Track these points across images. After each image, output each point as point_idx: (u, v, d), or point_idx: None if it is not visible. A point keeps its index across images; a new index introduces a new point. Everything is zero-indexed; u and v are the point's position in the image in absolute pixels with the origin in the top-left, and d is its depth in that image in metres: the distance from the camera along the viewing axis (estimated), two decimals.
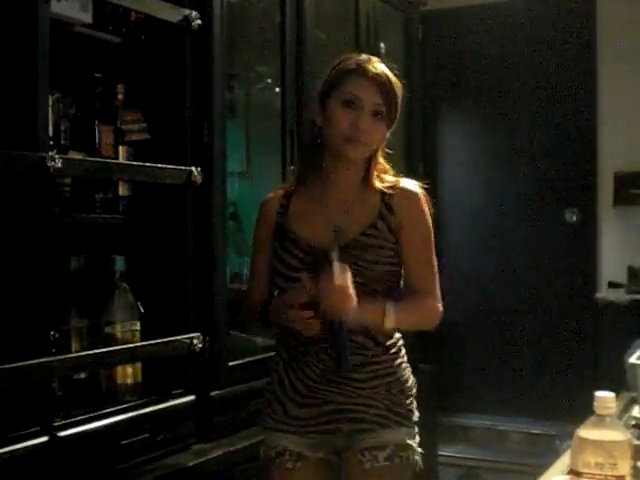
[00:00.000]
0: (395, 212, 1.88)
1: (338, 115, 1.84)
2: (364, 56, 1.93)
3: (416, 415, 1.92)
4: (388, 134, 1.90)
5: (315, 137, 1.91)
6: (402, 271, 1.91)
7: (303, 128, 1.94)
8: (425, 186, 1.93)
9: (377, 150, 1.91)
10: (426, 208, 1.91)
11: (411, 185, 1.92)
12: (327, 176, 1.90)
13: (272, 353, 2.70)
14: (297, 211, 1.92)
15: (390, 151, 1.98)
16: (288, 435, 1.87)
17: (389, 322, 1.82)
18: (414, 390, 1.93)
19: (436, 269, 1.92)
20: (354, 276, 1.77)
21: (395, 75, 1.90)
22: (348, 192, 1.90)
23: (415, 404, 1.93)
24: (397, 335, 1.93)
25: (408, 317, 1.88)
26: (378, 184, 1.91)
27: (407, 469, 1.87)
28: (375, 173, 1.92)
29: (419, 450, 1.90)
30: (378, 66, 1.89)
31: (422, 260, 1.91)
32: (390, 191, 1.90)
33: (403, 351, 1.94)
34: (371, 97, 1.84)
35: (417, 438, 1.91)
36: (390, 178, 1.94)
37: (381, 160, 1.94)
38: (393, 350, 1.90)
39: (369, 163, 1.91)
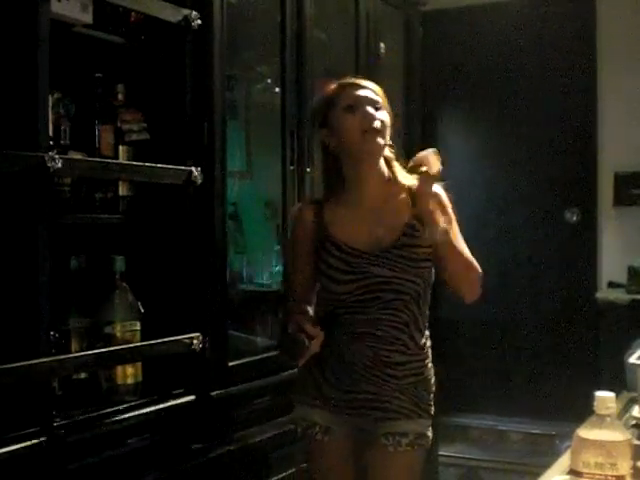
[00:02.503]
0: None
1: (346, 120, 2.00)
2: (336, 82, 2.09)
3: (433, 410, 2.09)
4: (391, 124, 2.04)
5: (330, 157, 2.06)
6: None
7: (321, 159, 2.10)
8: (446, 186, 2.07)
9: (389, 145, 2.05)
10: (448, 204, 2.04)
11: (435, 186, 2.03)
12: (354, 186, 2.04)
13: (275, 352, 2.73)
14: (333, 217, 2.05)
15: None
16: (319, 410, 2.04)
17: (444, 233, 1.96)
18: (434, 388, 2.10)
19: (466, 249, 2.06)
20: (397, 274, 1.95)
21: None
22: (377, 194, 2.04)
23: (433, 400, 2.10)
24: (427, 333, 2.08)
25: (461, 257, 2.01)
26: (404, 180, 2.04)
27: (423, 454, 2.07)
28: (397, 168, 2.06)
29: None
30: (347, 78, 2.08)
31: (457, 242, 2.05)
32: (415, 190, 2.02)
33: (430, 352, 2.10)
34: (366, 96, 2.02)
35: (431, 429, 2.09)
36: (409, 176, 2.05)
37: (397, 156, 2.08)
38: (425, 351, 2.07)
39: (386, 161, 2.06)
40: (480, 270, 2.05)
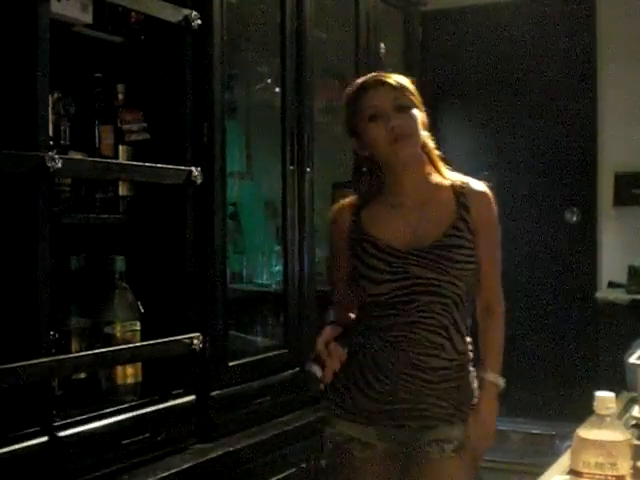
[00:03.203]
0: (470, 210, 1.93)
1: (371, 131, 1.91)
2: (360, 78, 2.00)
3: None
4: (426, 120, 1.96)
5: (365, 162, 1.98)
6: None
7: (354, 164, 2.03)
8: (490, 186, 2.00)
9: (425, 140, 1.97)
10: (495, 207, 1.98)
11: (482, 185, 1.98)
12: (393, 187, 1.96)
13: (275, 352, 2.73)
14: (372, 217, 1.97)
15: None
16: (355, 424, 1.94)
17: (502, 382, 1.99)
18: (476, 393, 1.99)
19: (500, 268, 2.03)
20: (437, 276, 1.86)
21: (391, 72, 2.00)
22: (418, 192, 1.95)
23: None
24: (469, 339, 1.97)
25: (501, 357, 2.02)
26: (448, 179, 1.97)
27: (469, 461, 1.95)
28: (440, 163, 1.99)
29: None
30: (373, 74, 1.98)
31: (493, 259, 1.99)
32: (461, 188, 1.95)
33: (472, 354, 2.00)
34: (385, 97, 1.91)
35: None
36: (454, 174, 1.99)
37: (436, 151, 2.00)
38: (466, 355, 1.96)
39: (427, 156, 1.98)
40: (503, 314, 2.04)
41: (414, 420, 1.90)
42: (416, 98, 1.95)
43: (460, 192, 1.94)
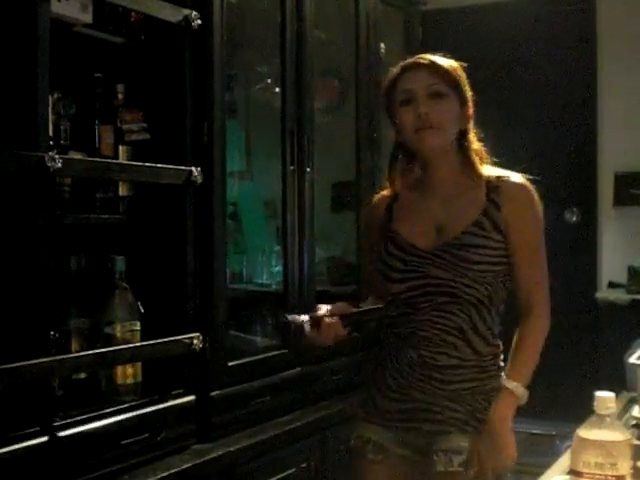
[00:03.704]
0: (502, 208, 1.84)
1: (402, 116, 1.84)
2: (407, 60, 1.92)
3: None
4: (470, 112, 1.89)
5: (400, 153, 1.93)
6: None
7: (392, 150, 1.98)
8: (533, 179, 1.91)
9: (465, 133, 1.88)
10: (537, 203, 1.90)
11: (518, 177, 1.89)
12: (425, 175, 1.91)
13: (275, 352, 2.73)
14: (402, 212, 1.93)
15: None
16: (374, 426, 1.90)
17: (524, 394, 1.86)
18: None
19: (546, 271, 1.96)
20: (454, 277, 1.79)
21: (445, 56, 1.90)
22: (449, 187, 1.88)
23: None
24: (498, 342, 1.91)
25: (530, 367, 1.91)
26: (483, 172, 1.88)
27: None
28: (476, 158, 1.88)
29: None
30: (420, 55, 1.89)
31: (530, 260, 1.90)
32: (496, 183, 1.86)
33: (500, 358, 1.92)
34: (421, 82, 1.82)
35: None
36: (493, 170, 1.91)
37: (477, 145, 1.91)
38: (489, 358, 1.88)
39: (463, 149, 1.88)
40: (545, 326, 1.98)
41: (429, 423, 1.84)
42: (460, 86, 1.86)
43: (493, 188, 1.85)
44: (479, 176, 1.87)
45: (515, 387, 1.84)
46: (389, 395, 1.89)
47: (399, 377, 1.87)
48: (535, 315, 1.94)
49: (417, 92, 1.82)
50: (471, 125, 1.90)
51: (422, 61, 1.85)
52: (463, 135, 1.88)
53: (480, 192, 1.85)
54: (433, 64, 1.84)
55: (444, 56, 1.89)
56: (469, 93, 1.89)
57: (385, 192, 1.99)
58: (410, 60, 1.88)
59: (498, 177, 1.88)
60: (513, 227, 1.84)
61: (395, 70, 1.90)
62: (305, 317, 1.83)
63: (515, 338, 1.91)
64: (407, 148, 1.90)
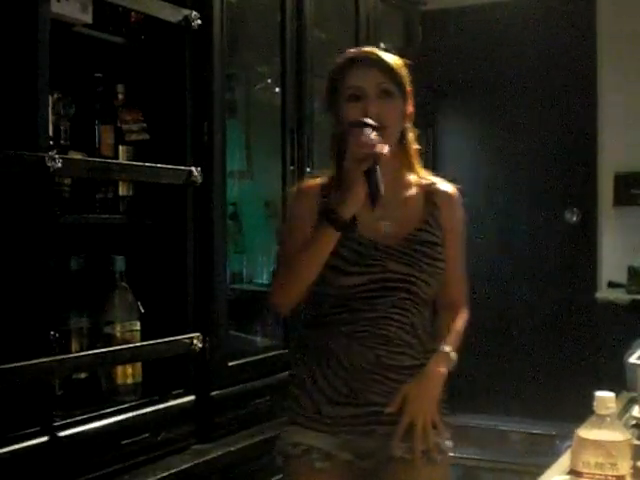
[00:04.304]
0: (440, 209, 1.86)
1: (348, 112, 1.78)
2: (351, 50, 1.88)
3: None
4: (411, 110, 1.84)
5: (339, 141, 1.82)
6: None
7: (330, 141, 1.89)
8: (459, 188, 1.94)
9: (405, 132, 1.84)
10: (463, 211, 1.93)
11: (450, 187, 1.91)
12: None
13: (275, 352, 2.73)
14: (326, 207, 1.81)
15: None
16: (316, 433, 1.78)
17: (455, 360, 1.85)
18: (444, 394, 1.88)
19: (465, 271, 1.96)
20: (413, 272, 1.77)
21: (388, 51, 1.86)
22: (392, 185, 1.80)
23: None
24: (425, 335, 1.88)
25: (459, 343, 1.90)
26: (419, 176, 1.88)
27: (443, 470, 1.83)
28: (416, 158, 1.87)
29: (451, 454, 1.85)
30: (367, 49, 1.86)
31: (459, 262, 1.93)
32: (432, 186, 1.88)
33: None
34: (372, 80, 1.78)
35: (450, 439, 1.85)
36: (425, 172, 1.90)
37: (416, 145, 1.88)
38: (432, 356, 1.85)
39: (404, 148, 1.85)
40: (467, 316, 1.96)
41: (384, 425, 1.77)
42: (405, 85, 1.82)
43: (431, 190, 1.87)
44: (418, 176, 1.89)
45: (450, 350, 1.85)
46: (339, 400, 1.77)
47: (352, 381, 1.77)
48: (462, 306, 1.96)
49: (368, 91, 1.77)
50: (410, 125, 1.86)
51: (373, 57, 1.81)
52: (403, 135, 1.84)
53: (419, 192, 1.87)
54: (384, 62, 1.80)
55: (387, 51, 1.87)
56: (410, 91, 1.84)
57: (314, 181, 1.87)
58: (359, 54, 1.83)
59: (431, 181, 1.90)
60: (448, 228, 1.87)
61: (342, 61, 1.84)
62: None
63: (445, 321, 1.92)
64: (347, 142, 1.77)
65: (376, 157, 1.67)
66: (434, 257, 1.81)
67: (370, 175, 1.67)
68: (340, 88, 1.81)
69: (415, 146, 1.88)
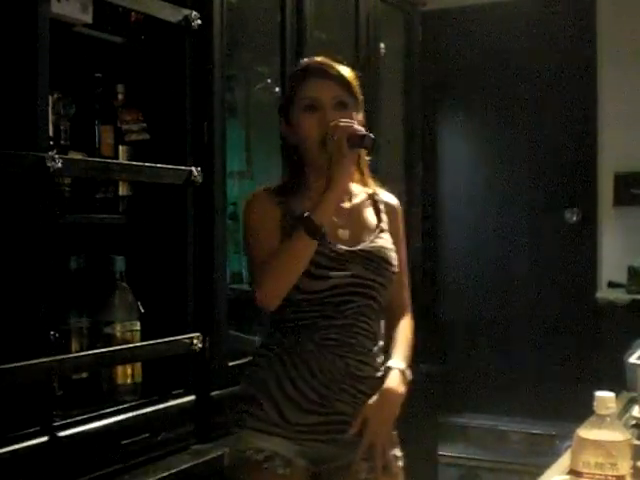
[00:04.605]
0: (388, 218, 1.92)
1: (304, 122, 1.80)
2: (305, 59, 1.93)
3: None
4: (360, 119, 1.85)
5: (292, 150, 1.85)
6: None
7: (283, 150, 1.91)
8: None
9: None
10: (403, 221, 1.98)
11: (392, 197, 1.97)
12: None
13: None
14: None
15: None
16: (279, 439, 1.76)
17: (410, 376, 1.84)
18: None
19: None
20: (376, 277, 1.79)
21: (341, 62, 1.88)
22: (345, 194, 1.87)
23: None
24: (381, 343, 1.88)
25: (410, 354, 1.89)
26: (366, 185, 1.92)
27: (401, 476, 1.85)
28: (365, 168, 1.91)
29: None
30: (322, 60, 1.87)
31: (404, 267, 1.95)
32: (378, 196, 1.94)
33: None
34: (329, 92, 1.80)
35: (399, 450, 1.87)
36: (371, 183, 1.94)
37: (366, 157, 1.91)
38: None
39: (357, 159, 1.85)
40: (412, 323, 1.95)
41: (345, 434, 1.77)
42: (358, 96, 1.85)
43: (377, 200, 1.93)
44: (362, 185, 1.92)
45: (405, 368, 1.83)
46: (306, 407, 1.76)
47: (322, 388, 1.75)
48: (407, 313, 1.95)
49: (324, 102, 1.79)
50: None
51: (327, 70, 1.83)
52: None
53: (368, 202, 1.92)
54: (340, 76, 1.82)
55: (341, 62, 1.89)
56: (360, 98, 1.87)
57: (270, 188, 1.87)
58: (314, 65, 1.86)
59: (376, 191, 1.94)
60: (394, 234, 1.91)
61: (299, 71, 1.88)
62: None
63: (395, 331, 1.91)
64: (300, 152, 1.84)
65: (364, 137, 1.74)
66: (391, 262, 1.84)
67: (359, 144, 1.75)
68: (295, 98, 1.83)
69: (366, 157, 1.91)
